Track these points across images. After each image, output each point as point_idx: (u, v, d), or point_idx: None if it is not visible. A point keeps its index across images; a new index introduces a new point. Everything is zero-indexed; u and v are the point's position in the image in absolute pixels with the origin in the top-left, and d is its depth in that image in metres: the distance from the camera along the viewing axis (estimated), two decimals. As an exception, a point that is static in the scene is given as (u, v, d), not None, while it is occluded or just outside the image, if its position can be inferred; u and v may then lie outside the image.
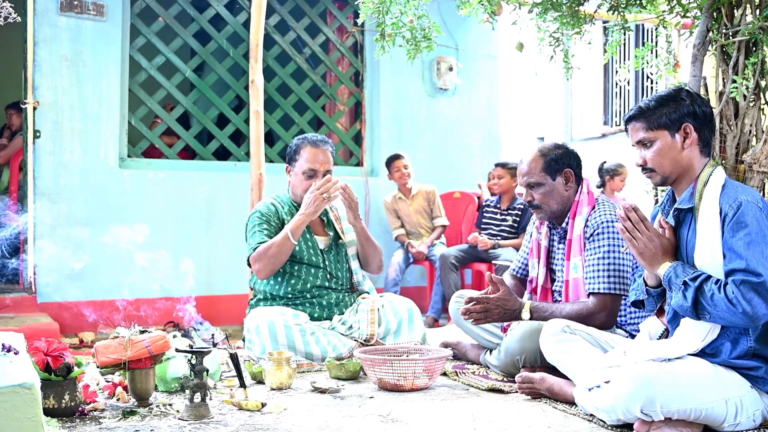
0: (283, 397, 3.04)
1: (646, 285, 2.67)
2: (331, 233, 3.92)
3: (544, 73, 7.24)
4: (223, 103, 5.98)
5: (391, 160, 6.17)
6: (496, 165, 6.08)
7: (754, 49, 3.41)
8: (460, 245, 6.02)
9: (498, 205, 6.03)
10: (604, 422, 2.56)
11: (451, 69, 6.67)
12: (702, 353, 2.48)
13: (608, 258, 3.12)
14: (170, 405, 2.85)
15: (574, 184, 3.32)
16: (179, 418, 2.67)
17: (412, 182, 6.17)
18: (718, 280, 2.38)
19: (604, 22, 6.00)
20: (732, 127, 3.44)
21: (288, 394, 3.08)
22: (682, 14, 3.83)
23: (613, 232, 3.13)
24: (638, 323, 3.17)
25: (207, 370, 2.75)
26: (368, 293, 3.92)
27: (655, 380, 2.37)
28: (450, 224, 6.30)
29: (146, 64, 5.66)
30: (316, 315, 3.74)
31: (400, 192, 6.20)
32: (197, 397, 2.69)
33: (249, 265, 3.74)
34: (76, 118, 5.28)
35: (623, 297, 3.13)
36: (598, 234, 3.17)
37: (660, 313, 2.73)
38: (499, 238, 5.86)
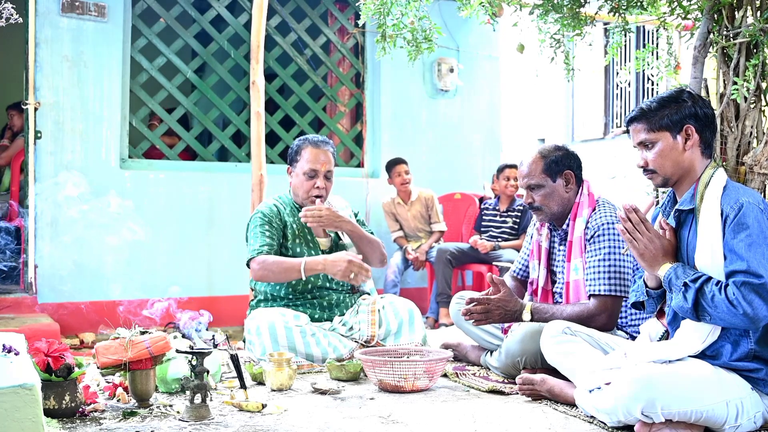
0: (284, 398, 3.04)
1: (647, 286, 2.67)
2: (332, 235, 3.92)
3: (545, 75, 7.23)
4: (224, 104, 5.98)
5: (392, 165, 6.13)
6: (509, 166, 6.03)
7: (754, 50, 3.41)
8: (459, 243, 6.02)
9: (497, 207, 6.02)
10: (605, 424, 2.55)
11: (452, 70, 6.67)
12: (702, 355, 2.48)
13: (609, 259, 3.12)
14: (171, 406, 2.85)
15: (574, 186, 3.32)
16: (180, 419, 2.67)
17: (412, 187, 6.16)
18: (718, 282, 2.38)
19: (605, 23, 6.01)
20: (733, 129, 3.44)
21: (288, 395, 3.08)
22: (683, 16, 3.83)
23: (614, 234, 3.13)
24: (639, 325, 3.17)
25: (207, 371, 2.75)
26: (369, 294, 3.92)
27: (656, 382, 2.37)
28: (450, 226, 6.30)
29: (147, 65, 5.66)
30: (316, 316, 3.74)
31: (398, 197, 6.17)
32: (198, 398, 2.69)
33: (248, 265, 3.74)
34: (78, 119, 5.28)
35: (624, 298, 3.13)
36: (598, 235, 3.17)
37: (660, 314, 2.73)
38: (499, 239, 5.86)
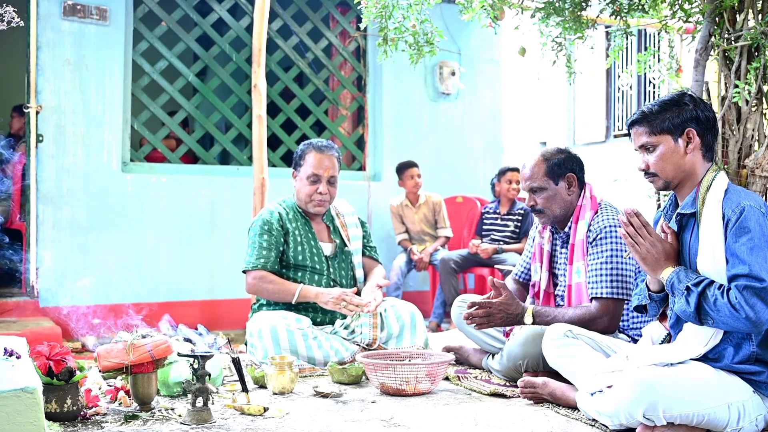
0: (286, 401, 3.04)
1: (649, 290, 2.67)
2: (338, 240, 3.92)
3: (547, 78, 7.24)
4: (226, 107, 5.99)
5: (404, 168, 6.15)
6: (511, 169, 6.01)
7: (756, 54, 3.41)
8: (461, 250, 6.02)
9: (498, 211, 6.01)
10: (607, 427, 2.55)
11: (453, 73, 6.67)
12: (704, 358, 2.48)
13: (611, 262, 3.12)
14: (172, 409, 2.85)
15: (576, 189, 3.32)
16: (181, 423, 2.67)
17: (421, 190, 6.19)
18: (721, 286, 2.38)
19: (607, 26, 6.01)
20: (734, 132, 3.44)
21: (290, 399, 3.08)
22: (685, 19, 3.83)
23: (616, 237, 3.13)
24: (641, 328, 3.17)
25: (209, 375, 2.75)
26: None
27: (658, 385, 2.36)
28: (452, 229, 6.29)
29: (149, 68, 5.67)
30: (318, 319, 3.74)
31: (407, 199, 6.20)
32: (199, 402, 2.69)
33: (244, 272, 3.77)
34: (79, 122, 5.29)
35: (626, 301, 3.13)
36: (600, 238, 3.17)
37: (662, 317, 2.73)
38: (501, 243, 5.85)
